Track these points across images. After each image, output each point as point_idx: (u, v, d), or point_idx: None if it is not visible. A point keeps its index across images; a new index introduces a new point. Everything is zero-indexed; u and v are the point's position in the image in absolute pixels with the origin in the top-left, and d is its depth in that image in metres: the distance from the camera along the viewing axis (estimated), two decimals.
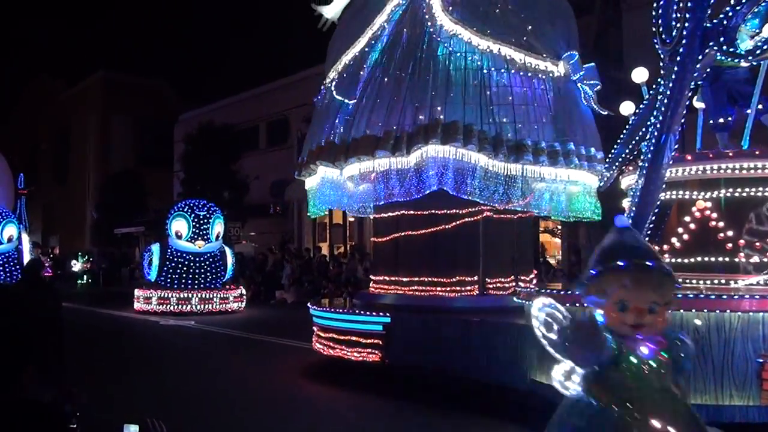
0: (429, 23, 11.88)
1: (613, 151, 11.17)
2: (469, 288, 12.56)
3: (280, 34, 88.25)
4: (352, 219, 34.70)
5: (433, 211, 12.40)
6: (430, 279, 12.66)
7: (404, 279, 12.91)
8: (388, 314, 11.94)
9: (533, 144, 11.36)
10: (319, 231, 37.65)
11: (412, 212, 12.52)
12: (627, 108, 11.80)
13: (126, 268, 41.85)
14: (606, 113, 12.24)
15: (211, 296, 25.00)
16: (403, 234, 12.94)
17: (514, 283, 12.85)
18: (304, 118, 37.58)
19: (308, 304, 14.09)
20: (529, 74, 11.57)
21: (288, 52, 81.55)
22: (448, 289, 12.55)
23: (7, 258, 27.90)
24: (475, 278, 12.60)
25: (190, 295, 24.79)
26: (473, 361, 10.73)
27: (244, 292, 26.79)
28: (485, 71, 11.48)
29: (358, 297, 14.28)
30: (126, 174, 49.19)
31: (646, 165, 9.67)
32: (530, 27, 11.87)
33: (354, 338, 12.25)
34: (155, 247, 25.85)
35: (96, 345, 16.97)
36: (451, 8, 11.88)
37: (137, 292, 26.02)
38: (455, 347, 11.01)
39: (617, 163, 11.11)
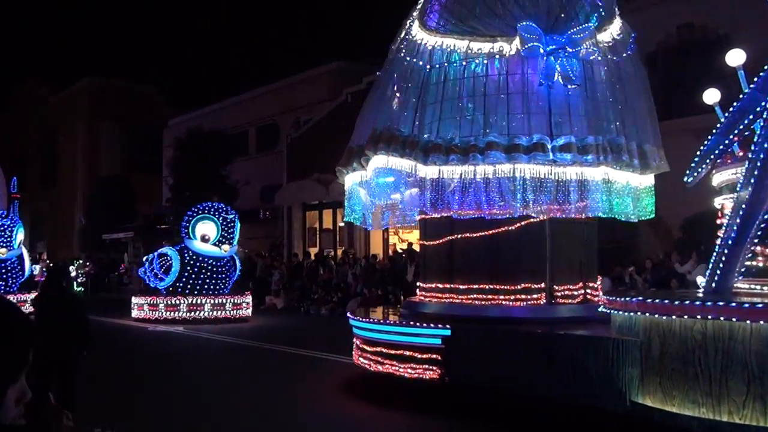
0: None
1: (705, 143, 9.38)
2: (535, 296, 10.73)
3: (269, 40, 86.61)
4: (342, 224, 32.83)
5: (494, 212, 10.56)
6: (491, 286, 10.83)
7: (461, 286, 11.04)
8: (448, 326, 10.11)
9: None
10: (309, 236, 35.95)
11: (470, 212, 10.68)
12: (711, 96, 10.12)
13: (114, 274, 39.91)
14: (574, 86, 10.15)
15: (223, 302, 22.84)
16: (459, 236, 11.08)
17: (582, 291, 11.07)
18: (293, 123, 36.25)
19: (348, 314, 12.27)
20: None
21: (277, 57, 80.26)
22: (513, 297, 10.73)
23: (12, 266, 25.88)
24: (542, 285, 10.78)
25: (202, 302, 22.58)
26: (556, 380, 8.92)
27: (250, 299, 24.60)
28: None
29: (405, 306, 12.33)
30: (114, 179, 46.98)
31: (762, 157, 8.05)
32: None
33: (408, 353, 10.43)
34: (173, 252, 23.28)
35: (109, 358, 14.83)
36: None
37: (136, 300, 23.80)
38: (532, 364, 9.20)
39: (711, 157, 9.31)
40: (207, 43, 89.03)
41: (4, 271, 25.67)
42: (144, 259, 25.16)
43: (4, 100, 64.08)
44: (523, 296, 10.70)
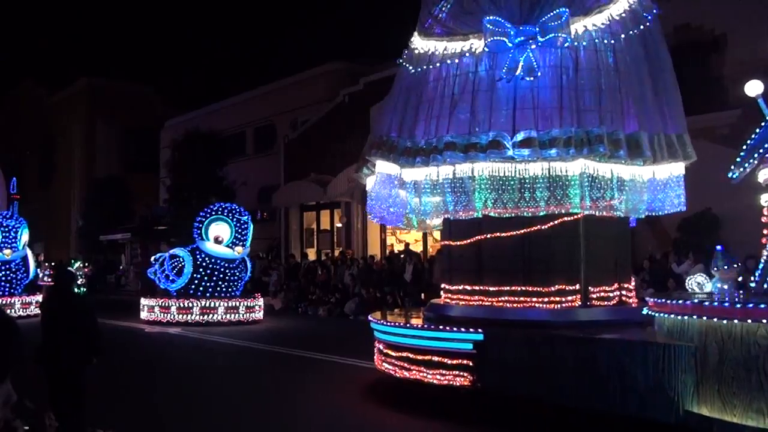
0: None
1: (753, 136, 8.65)
2: (569, 298, 9.94)
3: (266, 41, 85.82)
4: (339, 225, 32.26)
5: (525, 210, 9.80)
6: (523, 288, 10.05)
7: (491, 288, 10.27)
8: (480, 330, 9.34)
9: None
10: (306, 237, 35.19)
11: (499, 211, 9.89)
12: (754, 88, 9.38)
13: (112, 275, 38.98)
14: (530, 78, 9.55)
15: (236, 305, 21.87)
16: (488, 236, 10.30)
17: (618, 292, 10.31)
18: (290, 124, 35.53)
19: (370, 318, 11.46)
20: None
21: (275, 58, 79.52)
22: (546, 299, 9.95)
23: (16, 267, 25.07)
24: (576, 287, 9.99)
25: (216, 305, 21.61)
26: (599, 389, 8.20)
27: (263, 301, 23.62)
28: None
29: (429, 309, 11.49)
30: (111, 180, 45.83)
31: None
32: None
33: (436, 358, 9.66)
34: (185, 253, 22.19)
35: (119, 362, 13.95)
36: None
37: (146, 301, 22.77)
38: (573, 371, 8.47)
39: (760, 151, 8.56)
40: (204, 44, 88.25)
41: (8, 272, 24.81)
42: (152, 259, 24.07)
43: (2, 101, 62.97)
44: (557, 298, 9.92)
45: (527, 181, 9.48)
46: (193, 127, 35.53)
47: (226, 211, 22.38)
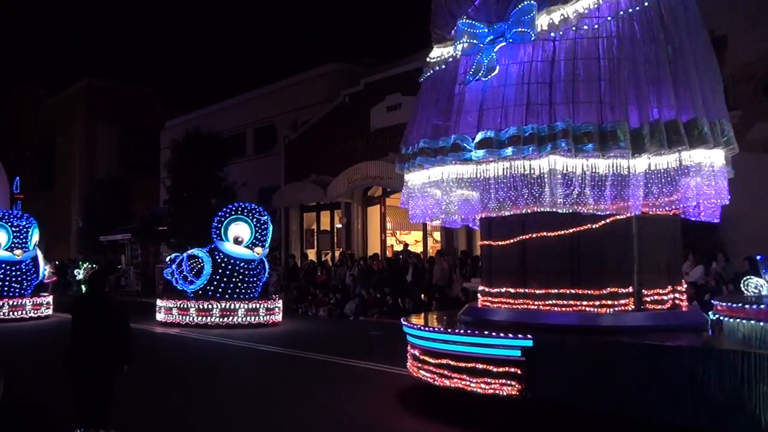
0: None
1: None
2: (622, 302, 9.02)
3: (265, 41, 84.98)
4: (339, 225, 31.43)
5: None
6: (571, 291, 9.12)
7: (537, 291, 9.33)
8: (529, 336, 8.42)
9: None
10: (307, 237, 34.28)
11: (546, 209, 8.94)
12: None
13: (112, 275, 37.85)
14: (481, 78, 9.05)
15: (257, 307, 20.74)
16: (534, 235, 9.38)
17: (672, 295, 9.39)
18: (291, 125, 34.65)
19: (403, 322, 10.50)
20: None
21: (275, 59, 78.71)
22: (597, 303, 9.02)
23: (27, 268, 23.92)
24: (629, 289, 9.07)
25: (236, 306, 20.47)
26: (665, 400, 7.30)
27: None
28: None
29: (467, 312, 10.51)
30: (111, 181, 44.40)
31: None
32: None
33: (481, 366, 8.74)
34: (204, 254, 21.04)
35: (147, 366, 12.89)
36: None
37: (163, 303, 21.65)
38: (636, 380, 7.56)
39: None
40: (204, 44, 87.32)
41: (18, 273, 23.64)
42: (168, 260, 22.93)
43: (2, 102, 61.87)
44: (609, 302, 9.00)
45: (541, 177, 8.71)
46: (193, 128, 34.41)
47: (245, 210, 21.31)
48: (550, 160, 8.60)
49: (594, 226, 8.98)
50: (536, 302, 9.32)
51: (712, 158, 8.64)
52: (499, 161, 8.78)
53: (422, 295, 21.92)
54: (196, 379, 12.39)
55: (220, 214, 21.41)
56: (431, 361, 9.45)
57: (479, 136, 8.79)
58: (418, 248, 28.16)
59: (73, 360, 7.08)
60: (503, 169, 8.83)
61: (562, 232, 9.11)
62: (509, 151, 8.54)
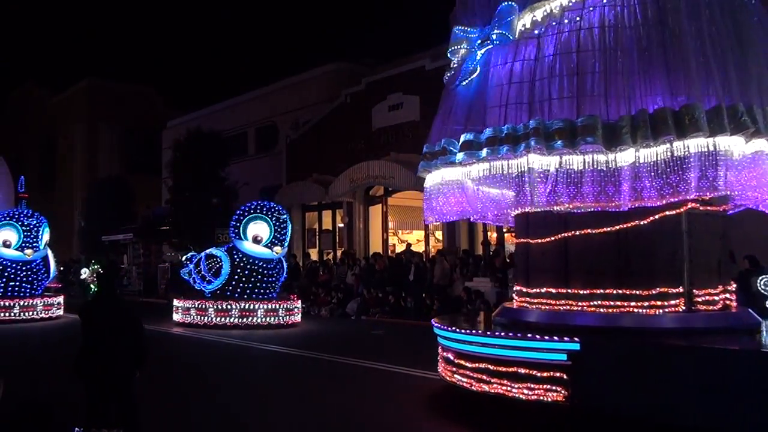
0: None
1: None
2: (672, 302, 8.40)
3: (268, 41, 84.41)
4: (341, 225, 30.85)
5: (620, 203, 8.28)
6: (618, 291, 8.50)
7: (581, 291, 8.72)
8: (576, 339, 7.82)
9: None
10: (308, 237, 33.70)
11: (590, 205, 8.40)
12: None
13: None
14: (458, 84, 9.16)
15: (276, 308, 19.98)
16: (577, 233, 8.77)
17: (723, 296, 8.78)
18: (292, 125, 34.08)
19: (435, 324, 9.85)
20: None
21: (276, 58, 78.15)
22: (646, 304, 8.40)
23: (37, 267, 23.11)
24: (680, 289, 8.44)
25: (255, 307, 19.68)
26: (728, 409, 6.71)
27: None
28: None
29: (501, 314, 9.90)
30: (113, 181, 43.63)
31: None
32: None
33: (523, 370, 8.17)
34: (222, 253, 20.25)
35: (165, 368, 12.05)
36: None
37: (180, 303, 20.83)
38: (698, 388, 6.94)
39: None
40: (206, 44, 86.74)
41: (29, 273, 22.79)
42: (183, 259, 22.24)
43: (3, 102, 61.24)
44: (659, 302, 8.38)
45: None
46: (194, 128, 33.79)
47: (264, 209, 20.56)
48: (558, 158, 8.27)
49: (642, 223, 8.37)
50: (580, 303, 8.71)
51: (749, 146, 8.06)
52: (480, 162, 8.67)
53: (423, 294, 21.56)
54: (217, 381, 11.70)
55: (238, 212, 20.72)
56: (468, 365, 8.84)
57: (462, 139, 8.68)
58: (420, 248, 27.69)
59: (85, 367, 6.53)
60: (483, 170, 8.78)
61: (608, 228, 8.52)
62: (484, 152, 8.38)
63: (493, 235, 24.39)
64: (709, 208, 8.56)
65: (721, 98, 7.63)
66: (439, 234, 27.50)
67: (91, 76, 51.43)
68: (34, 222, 22.93)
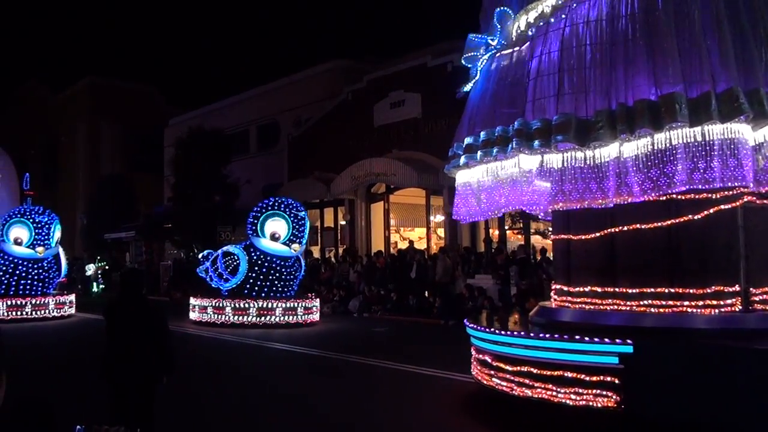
0: None
1: None
2: (728, 302, 7.83)
3: (270, 38, 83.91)
4: (343, 222, 30.36)
5: (672, 197, 7.72)
6: (670, 290, 7.94)
7: (630, 291, 8.14)
8: (629, 341, 7.24)
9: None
10: (310, 234, 33.16)
11: (639, 199, 7.78)
12: None
13: (117, 273, 36.90)
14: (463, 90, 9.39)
15: (294, 306, 19.23)
16: (625, 228, 8.21)
17: None
18: (294, 122, 33.68)
19: (468, 324, 9.30)
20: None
21: (278, 55, 77.70)
22: (700, 303, 7.84)
23: (48, 265, 22.41)
24: (736, 288, 7.87)
25: (273, 306, 18.94)
26: None
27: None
28: None
29: (539, 314, 9.36)
30: (115, 179, 43.14)
31: None
32: None
33: (570, 374, 7.58)
34: (239, 251, 19.47)
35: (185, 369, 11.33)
36: None
37: (196, 301, 20.02)
38: (758, 393, 6.40)
39: None
40: (207, 42, 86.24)
41: (40, 271, 21.98)
42: (200, 257, 21.42)
43: (6, 101, 60.62)
44: (714, 302, 7.82)
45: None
46: (196, 126, 33.33)
47: (282, 206, 19.98)
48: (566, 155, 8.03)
49: (695, 217, 7.81)
50: (629, 303, 8.14)
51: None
52: (479, 164, 8.74)
53: (425, 292, 21.19)
54: (240, 382, 11.07)
55: (256, 209, 20.03)
56: (508, 368, 8.27)
57: (465, 142, 8.77)
58: (422, 245, 27.18)
59: (112, 371, 6.11)
60: (483, 173, 8.91)
61: (658, 223, 7.94)
62: (479, 155, 8.42)
63: (495, 233, 24.00)
64: (766, 201, 8.00)
65: (713, 84, 7.09)
66: (441, 231, 27.13)
67: (93, 74, 50.71)
68: (46, 219, 22.20)
